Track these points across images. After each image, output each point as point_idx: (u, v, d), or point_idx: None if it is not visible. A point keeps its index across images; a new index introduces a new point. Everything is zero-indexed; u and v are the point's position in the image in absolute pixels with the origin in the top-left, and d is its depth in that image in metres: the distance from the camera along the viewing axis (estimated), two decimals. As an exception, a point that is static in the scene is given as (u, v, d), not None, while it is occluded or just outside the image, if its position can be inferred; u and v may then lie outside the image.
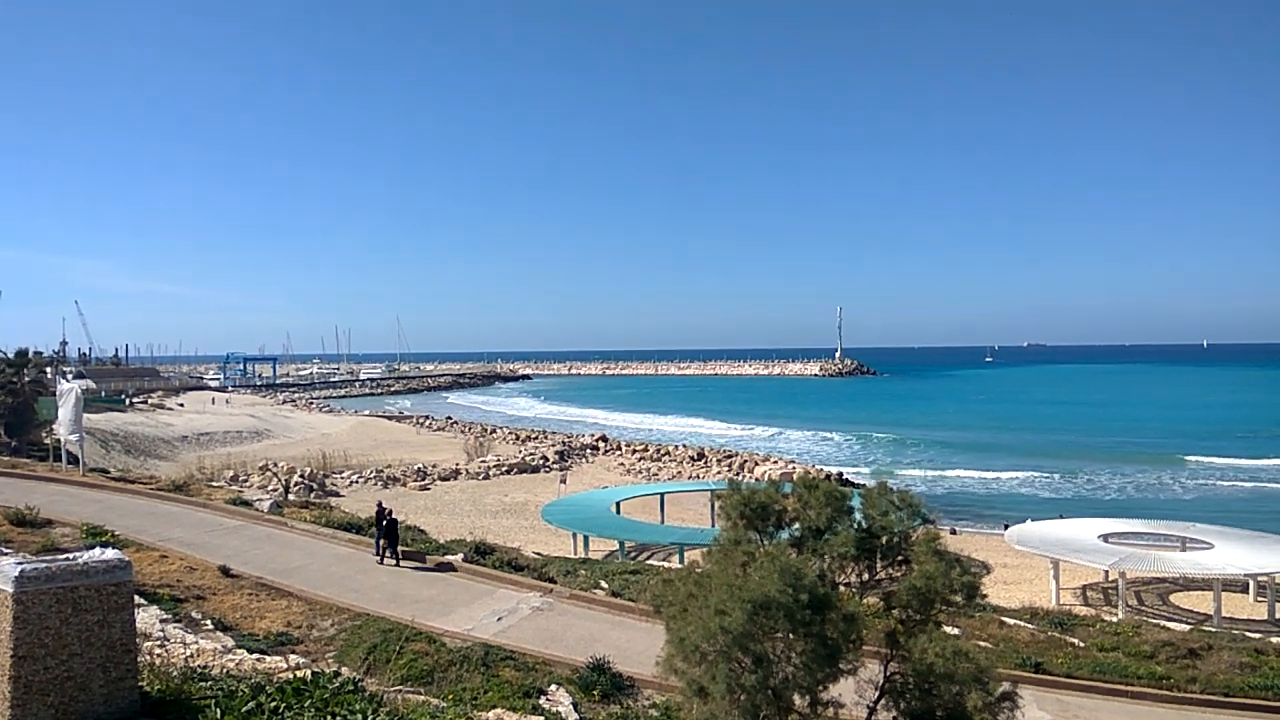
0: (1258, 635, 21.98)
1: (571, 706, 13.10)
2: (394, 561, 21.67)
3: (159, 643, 11.19)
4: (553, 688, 13.84)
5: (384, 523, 21.86)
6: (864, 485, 11.81)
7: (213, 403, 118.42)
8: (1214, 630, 23.11)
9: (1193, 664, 17.43)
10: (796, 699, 9.02)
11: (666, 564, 31.16)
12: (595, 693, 14.08)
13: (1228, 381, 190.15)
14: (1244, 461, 70.25)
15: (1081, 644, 18.93)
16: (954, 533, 43.73)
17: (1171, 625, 23.61)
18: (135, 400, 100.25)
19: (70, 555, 6.01)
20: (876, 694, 9.59)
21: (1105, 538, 33.58)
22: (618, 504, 42.88)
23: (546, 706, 12.78)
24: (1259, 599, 31.65)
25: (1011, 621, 20.40)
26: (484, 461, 66.55)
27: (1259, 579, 31.02)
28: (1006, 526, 42.01)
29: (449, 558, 22.43)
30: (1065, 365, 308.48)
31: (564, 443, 79.67)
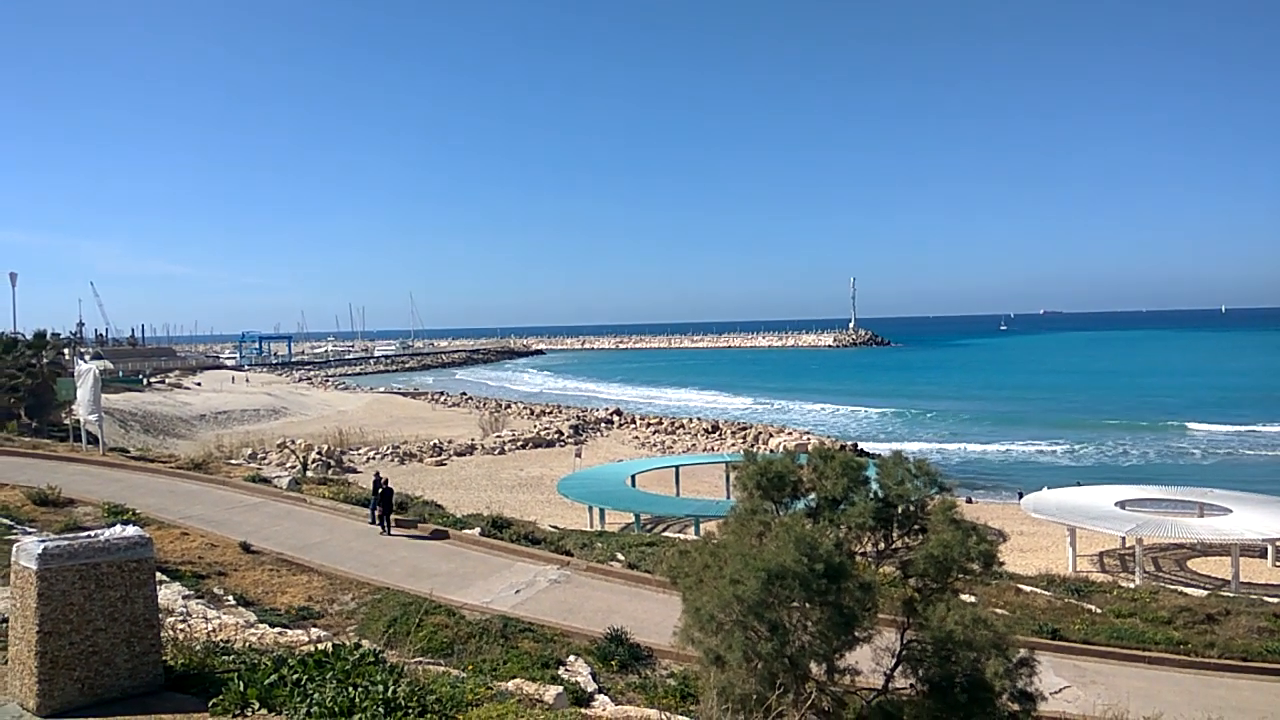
0: (1275, 600, 21.93)
1: (590, 676, 13.21)
2: (384, 530, 22.32)
3: (181, 618, 11.32)
4: (571, 658, 13.96)
5: (379, 491, 22.69)
6: (879, 455, 11.78)
7: (233, 381, 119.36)
8: (1232, 595, 23.07)
9: (1210, 629, 17.42)
10: (813, 667, 9.06)
11: (682, 536, 31.29)
12: (613, 663, 14.19)
13: (1246, 346, 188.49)
14: (1262, 428, 69.74)
15: (1098, 610, 18.93)
16: (970, 501, 43.69)
17: (1189, 591, 23.56)
18: (153, 380, 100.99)
19: (92, 533, 6.07)
20: (894, 661, 9.63)
21: (1122, 504, 33.49)
22: (633, 477, 43.02)
23: (565, 677, 12.89)
24: (1277, 564, 31.55)
25: (1028, 589, 20.42)
26: (499, 436, 66.82)
27: (1277, 544, 30.90)
28: (1021, 495, 41.98)
29: (444, 527, 23.09)
30: (1081, 332, 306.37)
31: (578, 417, 79.87)
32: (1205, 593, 23.31)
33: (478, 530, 22.70)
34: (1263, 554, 32.49)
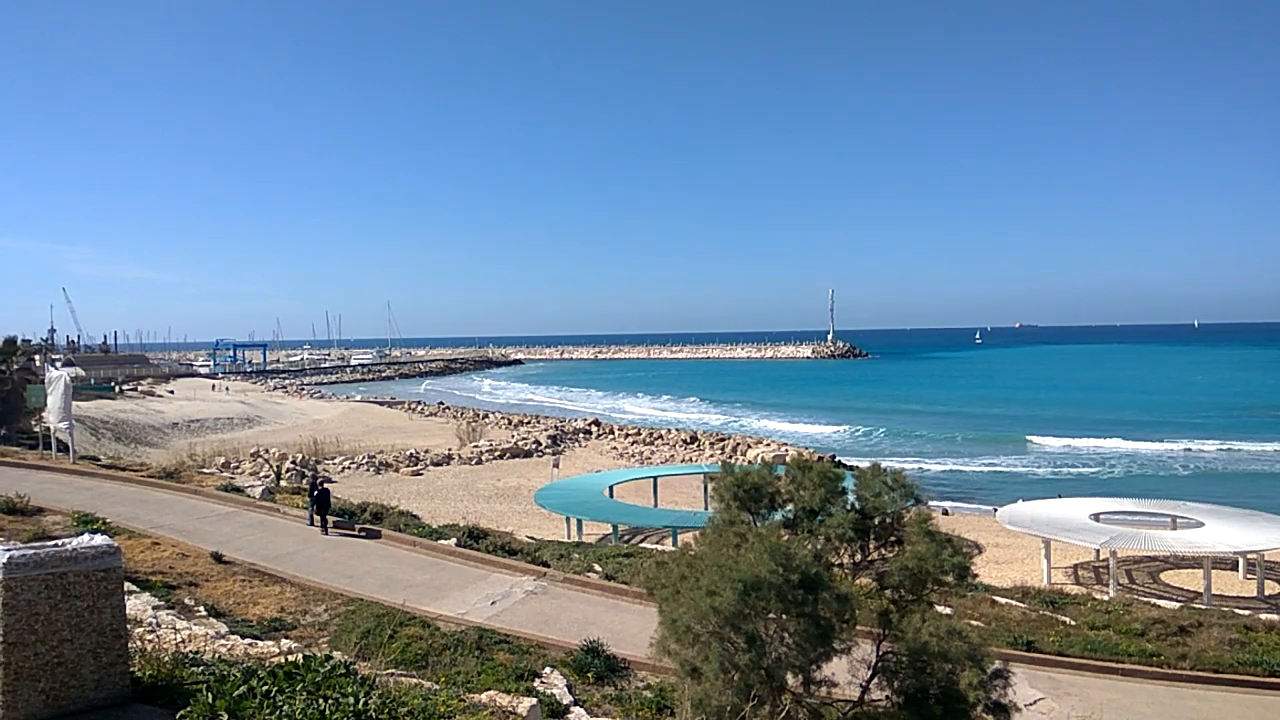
0: (1247, 612, 22.16)
1: (566, 688, 13.12)
2: (322, 529, 23.02)
3: (151, 629, 11.16)
4: (547, 670, 13.87)
5: (315, 493, 23.50)
6: (857, 467, 11.81)
7: (213, 389, 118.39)
8: (1204, 608, 23.28)
9: (1183, 641, 17.55)
10: (789, 678, 9.05)
11: (660, 547, 31.21)
12: (590, 675, 14.12)
13: (1219, 361, 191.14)
14: (1239, 443, 70.60)
15: (1073, 622, 19.04)
16: (946, 513, 43.93)
17: (1162, 603, 23.76)
18: (125, 387, 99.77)
19: (59, 542, 5.97)
20: (870, 673, 9.64)
21: (1096, 517, 33.74)
22: (611, 488, 42.90)
23: (541, 689, 12.80)
24: (1248, 576, 31.87)
25: (1003, 601, 20.51)
26: (476, 446, 66.50)
27: (1248, 556, 31.23)
28: (996, 507, 42.24)
29: (377, 527, 24.00)
30: (1055, 346, 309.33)
31: (556, 427, 79.63)
32: (1178, 605, 23.51)
33: (454, 541, 22.56)
34: (1234, 566, 32.84)
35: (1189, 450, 66.65)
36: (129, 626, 6.52)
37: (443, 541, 22.49)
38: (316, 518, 23.38)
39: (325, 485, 24.37)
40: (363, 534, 23.20)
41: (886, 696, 9.58)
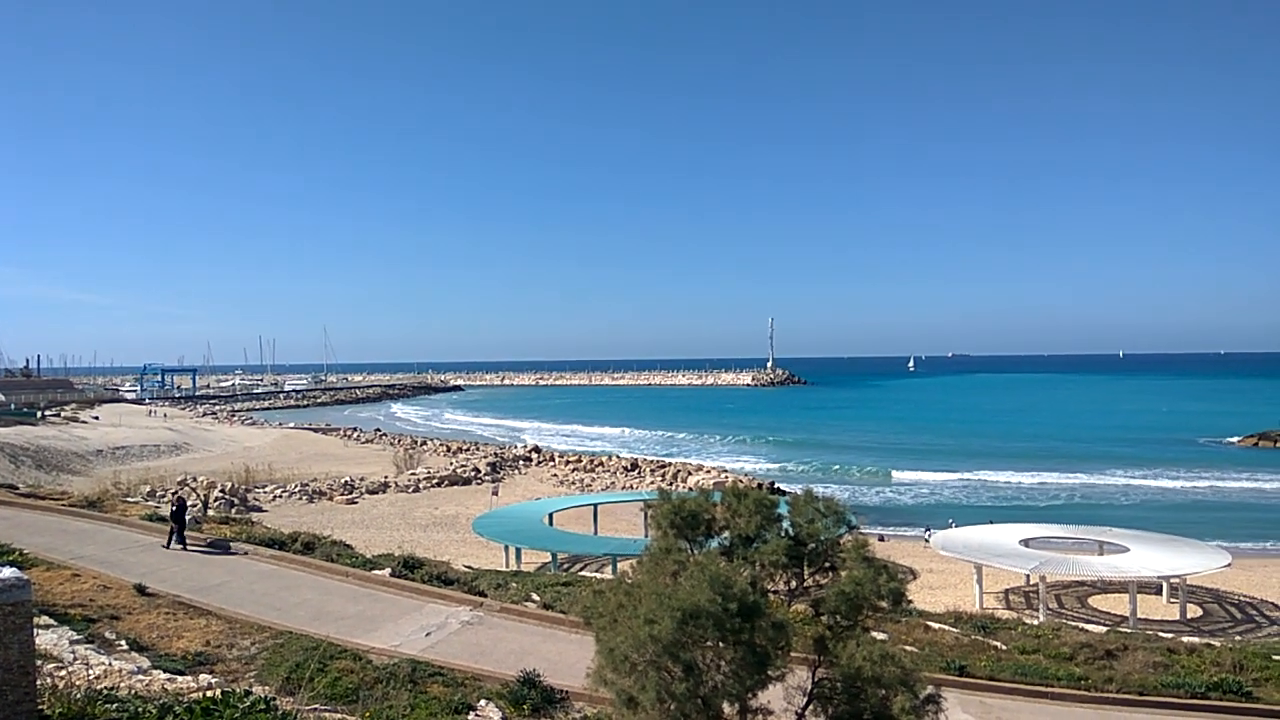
0: (1170, 635, 22.79)
1: (501, 721, 12.90)
2: (182, 545, 23.43)
3: (67, 664, 10.69)
4: (482, 703, 13.62)
5: (174, 509, 23.99)
6: (793, 494, 11.90)
7: (150, 415, 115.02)
8: (1130, 631, 23.88)
9: (1109, 664, 17.94)
10: (726, 707, 9.01)
11: (599, 575, 31.01)
12: (526, 707, 13.90)
13: (1145, 390, 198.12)
14: (1165, 470, 72.89)
15: (1004, 647, 19.36)
16: (882, 539, 44.44)
17: (1090, 627, 24.32)
18: (47, 413, 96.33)
19: (-36, 574, 5.69)
20: (805, 700, 9.65)
21: (1026, 542, 34.48)
22: (550, 515, 42.58)
23: (475, 722, 12.57)
24: (1172, 600, 32.81)
25: (937, 625, 20.78)
26: (414, 474, 65.48)
27: (1171, 581, 32.16)
28: (929, 532, 42.92)
29: (227, 539, 24.75)
30: (986, 374, 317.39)
31: (496, 454, 78.88)
32: (1105, 629, 24.09)
33: (388, 570, 22.11)
34: (1158, 590, 33.79)
35: (1119, 480, 68.48)
36: (41, 663, 6.24)
37: (377, 571, 22.03)
38: (176, 535, 23.63)
39: (185, 502, 24.98)
40: (214, 549, 23.75)
41: (822, 723, 9.60)
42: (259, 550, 23.71)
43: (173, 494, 26.30)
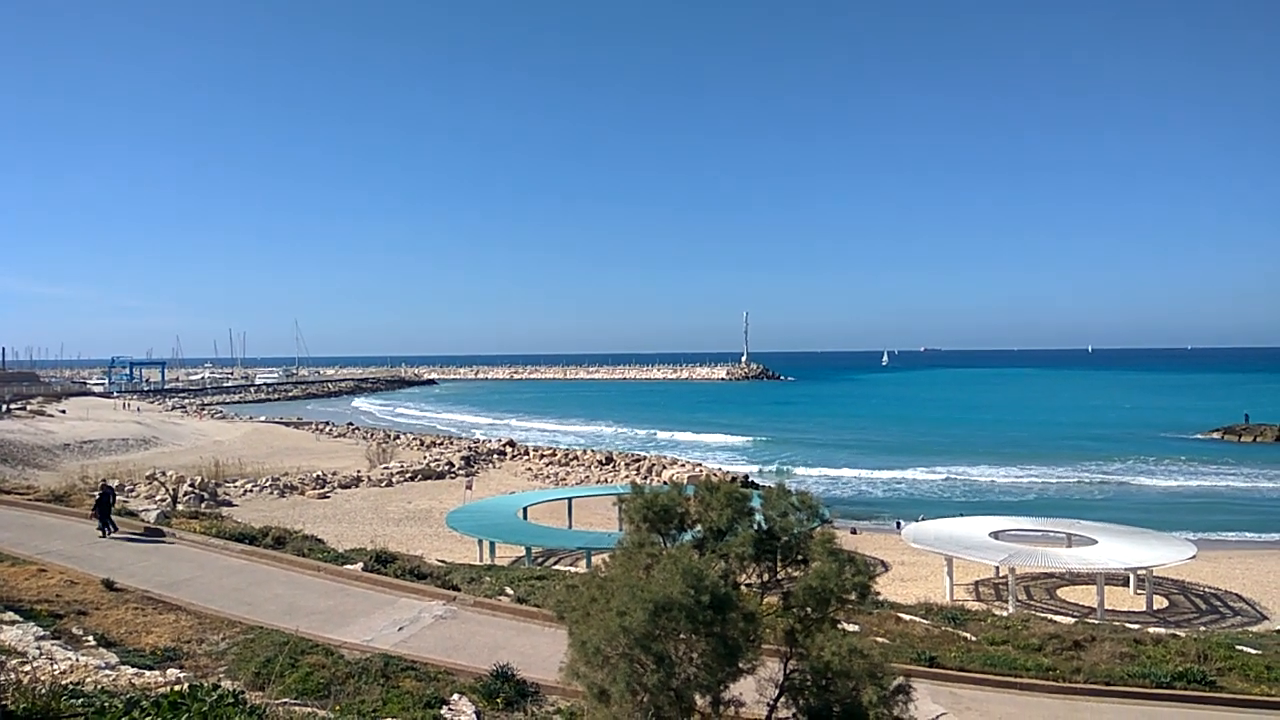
0: (1136, 626, 23.16)
1: (474, 715, 12.89)
2: (104, 533, 23.54)
3: (32, 660, 10.55)
4: (455, 697, 13.60)
5: (99, 496, 24.16)
6: (766, 487, 11.97)
7: (125, 407, 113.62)
8: (1097, 622, 24.24)
9: (1077, 655, 18.19)
10: (698, 699, 9.06)
11: (574, 569, 31.03)
12: (499, 700, 13.88)
13: (1115, 384, 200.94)
14: (1132, 463, 73.93)
15: (973, 638, 19.57)
16: (854, 532, 44.81)
17: (1058, 618, 24.63)
18: (13, 406, 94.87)
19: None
20: (776, 692, 9.72)
21: (996, 535, 34.89)
22: (524, 509, 42.52)
23: (448, 716, 12.55)
24: (1138, 591, 33.35)
25: (907, 617, 20.97)
26: (387, 468, 65.12)
27: (1138, 573, 32.69)
28: (900, 524, 43.30)
29: (158, 526, 24.84)
30: (958, 369, 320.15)
31: (470, 448, 78.62)
32: (1073, 620, 24.40)
33: (360, 565, 21.97)
34: (1125, 582, 34.32)
35: (1087, 474, 69.38)
36: (5, 658, 6.15)
37: (349, 566, 21.88)
38: (102, 522, 23.69)
39: (112, 490, 25.15)
40: (147, 537, 23.71)
41: (793, 714, 9.67)
42: (189, 536, 23.98)
43: (100, 482, 26.37)
